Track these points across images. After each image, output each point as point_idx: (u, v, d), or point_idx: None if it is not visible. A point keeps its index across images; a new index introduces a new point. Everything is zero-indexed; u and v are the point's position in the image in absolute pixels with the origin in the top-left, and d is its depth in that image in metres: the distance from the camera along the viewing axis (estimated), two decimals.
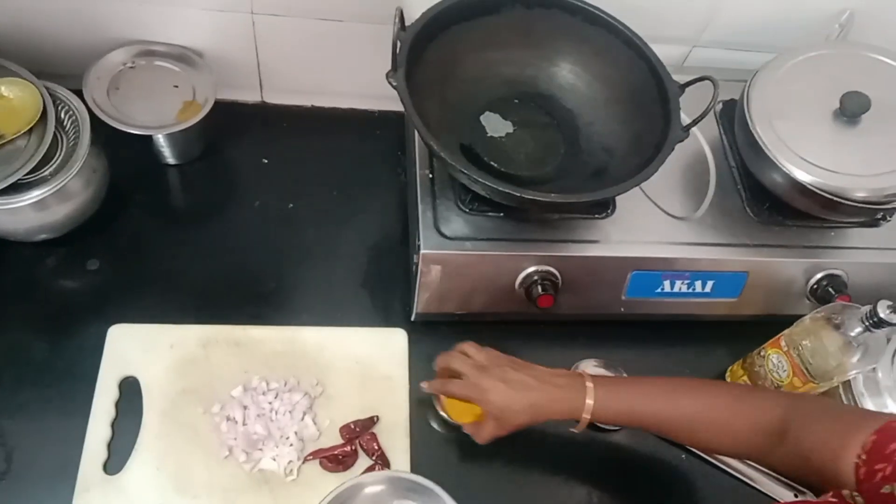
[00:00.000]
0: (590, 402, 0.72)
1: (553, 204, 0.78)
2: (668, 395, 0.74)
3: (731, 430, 0.71)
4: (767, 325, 0.91)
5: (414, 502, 0.75)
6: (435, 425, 0.88)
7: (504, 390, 0.73)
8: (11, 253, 0.91)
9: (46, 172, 0.83)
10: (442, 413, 0.85)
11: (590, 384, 0.73)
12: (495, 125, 0.89)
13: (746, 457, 0.78)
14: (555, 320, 0.93)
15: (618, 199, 0.89)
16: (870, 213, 0.90)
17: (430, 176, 0.89)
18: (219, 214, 0.99)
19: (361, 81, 1.04)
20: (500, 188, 0.75)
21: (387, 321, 0.94)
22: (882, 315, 0.73)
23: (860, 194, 0.84)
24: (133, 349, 0.86)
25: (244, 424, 0.82)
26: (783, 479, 0.88)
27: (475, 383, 0.74)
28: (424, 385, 0.80)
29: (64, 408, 0.82)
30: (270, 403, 0.83)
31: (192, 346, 0.87)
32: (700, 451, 0.88)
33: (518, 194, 0.75)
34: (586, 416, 0.72)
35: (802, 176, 0.84)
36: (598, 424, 0.81)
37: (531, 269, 0.85)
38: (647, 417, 0.74)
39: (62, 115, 0.87)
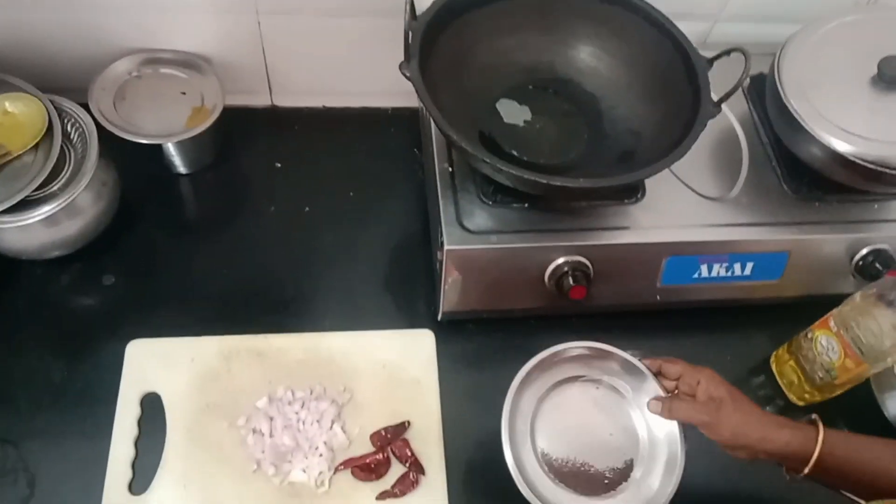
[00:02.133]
0: (820, 437, 0.66)
1: (582, 190, 0.74)
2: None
3: None
4: (812, 307, 0.86)
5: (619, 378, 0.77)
6: (454, 412, 0.84)
7: (738, 422, 0.68)
8: (24, 272, 0.89)
9: (55, 188, 0.81)
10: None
11: (818, 421, 0.68)
12: (512, 112, 0.85)
13: None
14: (587, 312, 0.89)
15: (647, 183, 0.86)
16: None
17: (450, 170, 0.86)
18: (233, 222, 0.97)
19: (373, 79, 1.01)
20: (526, 176, 0.71)
21: (412, 323, 0.90)
22: None
23: None
24: (153, 364, 0.83)
25: (271, 436, 0.79)
26: None
27: (709, 417, 0.69)
28: (654, 410, 0.73)
29: (85, 429, 0.79)
30: (297, 413, 0.80)
31: (214, 359, 0.84)
32: None
33: (545, 181, 0.71)
34: (815, 454, 0.66)
35: (842, 147, 0.80)
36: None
37: (561, 260, 0.82)
38: (873, 471, 0.67)
39: (69, 129, 0.85)
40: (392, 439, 0.80)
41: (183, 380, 0.82)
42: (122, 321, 0.86)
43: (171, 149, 0.93)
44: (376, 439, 0.80)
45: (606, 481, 0.75)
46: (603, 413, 0.78)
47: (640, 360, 0.76)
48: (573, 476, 0.75)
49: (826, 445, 0.66)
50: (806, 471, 0.66)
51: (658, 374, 0.75)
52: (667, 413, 0.72)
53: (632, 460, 0.76)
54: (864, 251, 0.86)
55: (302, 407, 0.81)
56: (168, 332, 0.85)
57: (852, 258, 0.87)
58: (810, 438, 0.66)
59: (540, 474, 0.74)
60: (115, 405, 0.80)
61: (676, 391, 0.74)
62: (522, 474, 0.72)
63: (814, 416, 0.69)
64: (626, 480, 0.75)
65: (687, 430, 0.74)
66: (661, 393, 0.75)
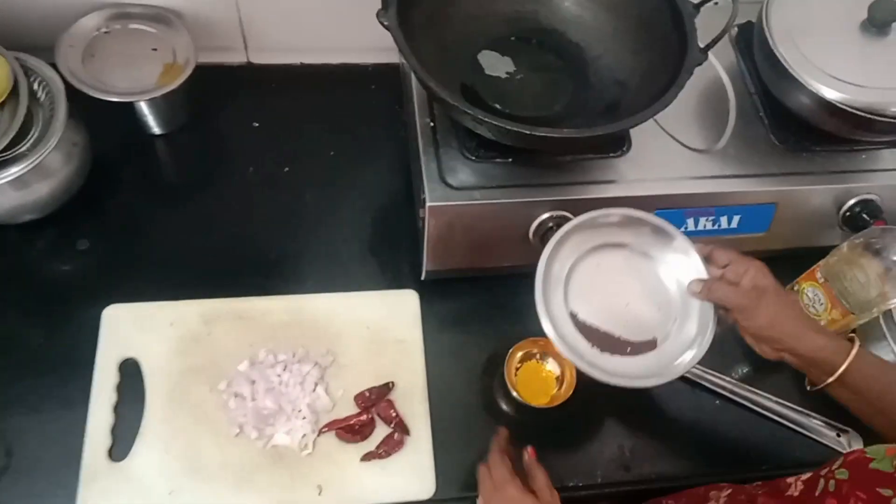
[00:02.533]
0: (854, 351, 0.65)
1: (566, 141, 0.72)
2: None
3: None
4: (798, 259, 0.86)
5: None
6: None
7: (777, 312, 0.67)
8: None
9: (23, 148, 0.78)
10: (514, 394, 0.79)
11: (854, 343, 0.66)
12: (494, 64, 0.83)
13: None
14: None
15: (633, 135, 0.84)
16: None
17: (432, 124, 0.83)
18: (211, 184, 0.94)
19: (352, 33, 0.98)
20: (509, 127, 0.69)
21: (396, 283, 0.89)
22: None
23: (894, 109, 0.78)
24: (131, 329, 0.81)
25: (253, 400, 0.78)
26: (823, 418, 0.83)
27: (749, 301, 0.67)
28: (695, 289, 0.71)
29: (63, 395, 0.78)
30: (279, 376, 0.79)
31: (194, 323, 0.82)
32: None
33: (528, 132, 0.69)
34: (846, 364, 0.64)
35: (831, 94, 0.78)
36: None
37: (545, 215, 0.80)
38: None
39: (35, 88, 0.81)
40: (376, 400, 0.79)
41: (162, 344, 0.81)
42: (99, 286, 0.84)
43: (143, 107, 0.90)
44: (360, 401, 0.79)
45: (629, 349, 0.72)
46: (638, 284, 0.75)
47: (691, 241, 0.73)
48: (597, 337, 0.72)
49: (856, 360, 0.64)
50: (830, 380, 0.65)
51: (706, 260, 0.73)
52: (706, 292, 0.70)
53: (655, 339, 0.72)
54: (852, 202, 0.85)
55: (284, 369, 0.80)
56: (146, 297, 0.83)
57: (839, 209, 0.86)
58: (842, 351, 0.65)
59: (568, 325, 0.72)
60: (93, 371, 0.79)
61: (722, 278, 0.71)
62: (551, 319, 0.70)
63: (852, 334, 0.67)
64: (648, 351, 0.72)
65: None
66: (703, 270, 0.72)
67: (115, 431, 0.76)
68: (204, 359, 0.80)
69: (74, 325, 0.82)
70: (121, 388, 0.78)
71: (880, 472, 0.51)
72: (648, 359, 0.71)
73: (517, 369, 0.82)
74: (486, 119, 0.69)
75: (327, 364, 0.81)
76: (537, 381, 0.82)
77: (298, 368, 0.80)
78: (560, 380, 0.82)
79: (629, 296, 0.74)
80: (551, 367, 0.83)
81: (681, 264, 0.74)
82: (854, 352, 0.64)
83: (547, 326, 0.70)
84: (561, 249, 0.73)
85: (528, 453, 0.71)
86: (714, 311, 0.71)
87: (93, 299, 0.83)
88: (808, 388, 0.69)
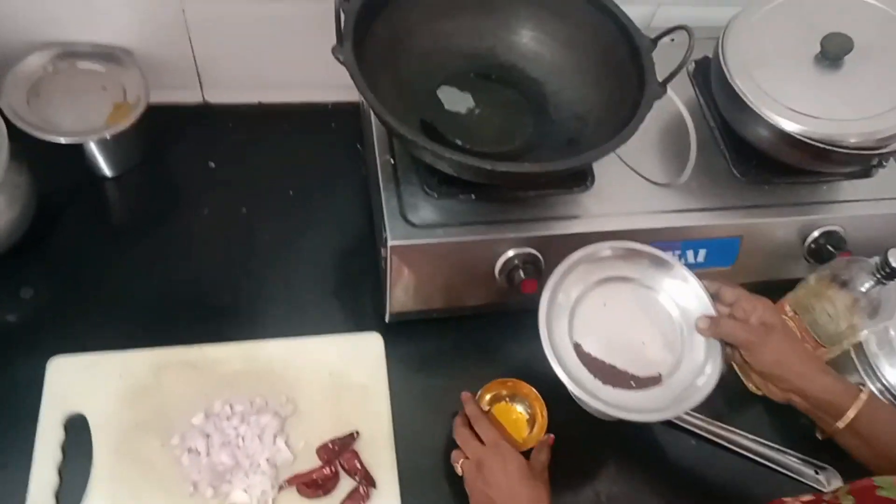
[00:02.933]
0: (864, 396, 0.63)
1: (527, 176, 0.71)
2: None
3: None
4: (767, 293, 0.83)
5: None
6: (405, 416, 0.80)
7: (784, 350, 0.66)
8: None
9: None
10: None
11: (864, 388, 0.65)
12: (454, 99, 0.82)
13: None
14: None
15: (596, 170, 0.83)
16: (863, 161, 0.84)
17: (392, 162, 0.81)
18: (164, 226, 0.91)
19: (311, 71, 0.96)
20: (469, 162, 0.67)
21: (360, 326, 0.86)
22: (895, 264, 0.68)
23: (852, 140, 0.78)
24: (77, 382, 0.76)
25: (208, 455, 0.73)
26: (800, 455, 0.82)
27: (756, 338, 0.66)
28: (702, 326, 0.70)
29: (2, 456, 0.73)
30: (236, 429, 0.75)
31: (143, 373, 0.78)
32: None
33: (489, 167, 0.67)
34: (854, 410, 0.63)
35: (789, 126, 0.78)
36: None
37: (510, 252, 0.78)
38: None
39: None
40: (340, 451, 0.76)
41: (110, 397, 0.76)
42: (43, 336, 0.80)
43: (92, 148, 0.87)
44: (323, 453, 0.76)
45: (634, 383, 0.71)
46: (645, 318, 0.74)
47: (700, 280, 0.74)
48: (601, 369, 0.71)
49: (867, 405, 0.63)
50: (841, 425, 0.63)
51: (714, 297, 0.72)
52: (713, 329, 0.69)
53: (661, 375, 0.71)
54: (816, 233, 0.85)
55: (241, 422, 0.76)
56: (94, 347, 0.79)
57: (804, 241, 0.86)
58: (851, 394, 0.64)
59: (573, 359, 0.71)
60: (35, 428, 0.74)
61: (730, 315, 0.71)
62: (556, 355, 0.69)
63: (861, 385, 0.66)
64: (656, 385, 0.71)
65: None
66: (705, 298, 0.72)
67: (59, 494, 0.71)
68: (155, 412, 0.76)
69: (16, 378, 0.77)
70: (66, 446, 0.73)
71: (889, 500, 0.49)
72: (653, 394, 0.70)
73: (486, 412, 0.79)
74: (446, 154, 0.67)
75: (287, 414, 0.78)
76: (507, 424, 0.79)
77: (256, 420, 0.76)
78: (531, 422, 0.79)
79: (635, 330, 0.74)
80: (522, 409, 0.80)
81: (682, 294, 0.74)
82: (864, 396, 0.63)
83: (549, 352, 0.69)
84: (566, 280, 0.73)
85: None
86: (721, 348, 0.70)
87: (37, 351, 0.78)
88: (819, 436, 0.67)
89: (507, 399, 0.80)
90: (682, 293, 0.74)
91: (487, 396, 0.79)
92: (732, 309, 0.70)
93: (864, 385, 0.66)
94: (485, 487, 0.68)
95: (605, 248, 0.74)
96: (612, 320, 0.73)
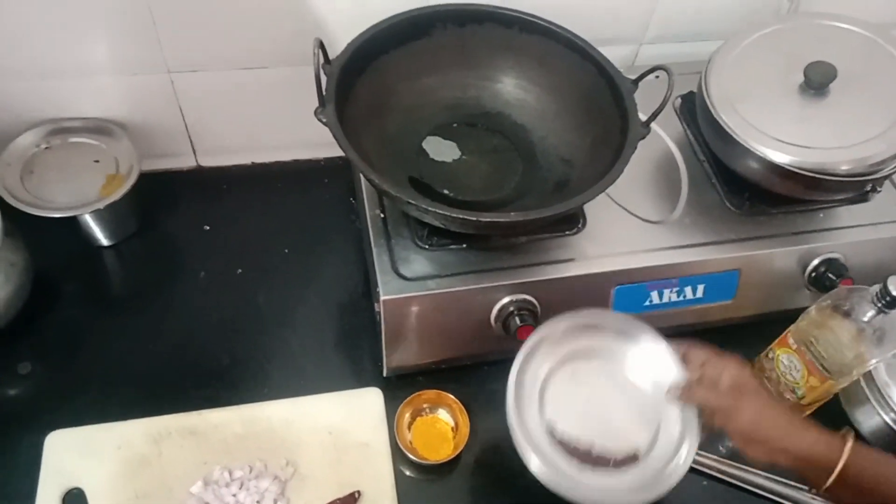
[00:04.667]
0: (849, 444, 0.61)
1: (514, 224, 0.71)
2: None
3: None
4: (770, 325, 0.83)
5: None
6: (408, 472, 0.79)
7: (759, 411, 0.63)
8: None
9: None
10: (409, 455, 0.77)
11: (848, 438, 0.62)
12: (440, 150, 0.83)
13: None
14: None
15: (588, 211, 0.83)
16: (857, 187, 0.83)
17: (382, 216, 0.82)
18: (161, 292, 0.91)
19: (301, 130, 0.98)
20: (454, 215, 0.67)
21: (359, 381, 0.85)
22: (895, 292, 0.66)
23: (844, 167, 0.78)
24: (75, 456, 0.76)
25: None
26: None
27: (728, 402, 0.64)
28: (673, 395, 0.69)
29: None
30: (235, 496, 0.74)
31: (141, 444, 0.77)
32: None
33: (474, 219, 0.67)
34: (843, 459, 0.60)
35: (779, 157, 0.78)
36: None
37: (505, 299, 0.78)
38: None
39: None
40: None
41: (108, 470, 0.75)
42: (41, 412, 0.79)
43: (88, 220, 0.88)
44: None
45: (612, 462, 0.68)
46: (615, 392, 0.72)
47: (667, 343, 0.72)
48: (577, 452, 0.68)
49: (853, 457, 0.60)
50: (829, 482, 0.60)
51: (682, 360, 0.70)
52: (685, 396, 0.67)
53: (638, 451, 0.69)
54: (816, 262, 0.84)
55: (240, 488, 0.74)
56: (92, 419, 0.78)
57: (805, 270, 0.84)
58: (836, 448, 0.61)
59: (547, 445, 0.68)
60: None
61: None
62: (530, 443, 0.67)
63: (846, 428, 0.64)
64: (633, 464, 0.68)
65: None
66: (675, 368, 0.70)
67: None
68: (154, 482, 0.75)
69: (13, 455, 0.76)
70: None
71: None
72: (634, 473, 0.68)
73: (409, 428, 0.81)
74: (431, 209, 0.67)
75: (287, 477, 0.76)
76: (432, 434, 0.80)
77: (255, 485, 0.74)
78: (455, 429, 0.80)
79: (606, 405, 0.71)
80: (444, 417, 0.81)
81: (651, 362, 0.72)
82: (849, 445, 0.60)
83: (520, 442, 0.67)
84: (531, 362, 0.71)
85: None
86: (697, 416, 0.68)
87: (34, 426, 0.77)
88: (811, 492, 0.64)
89: (428, 410, 0.82)
90: (651, 361, 0.72)
91: (408, 413, 0.80)
92: (703, 372, 0.68)
93: (848, 432, 0.63)
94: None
95: (569, 324, 0.72)
96: (583, 397, 0.71)
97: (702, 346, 0.69)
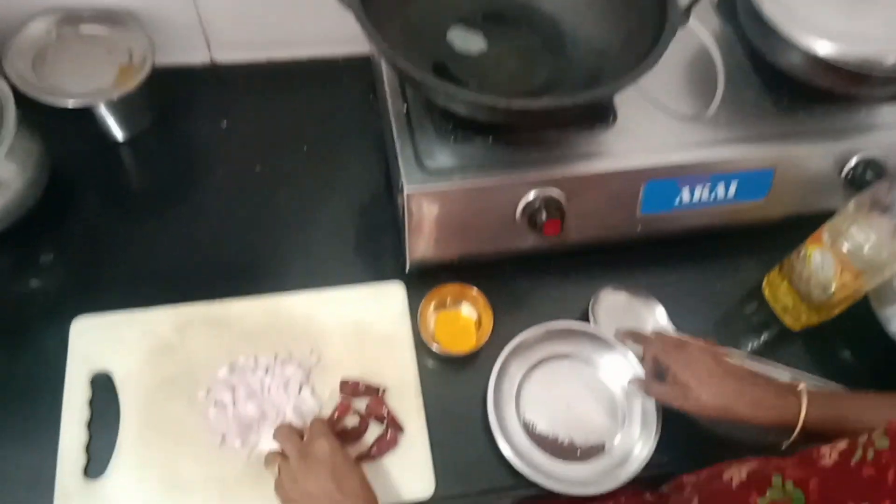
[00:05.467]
0: (805, 401, 0.64)
1: (547, 112, 0.68)
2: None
3: None
4: (800, 227, 0.81)
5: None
6: (430, 364, 0.80)
7: (710, 399, 0.66)
8: None
9: None
10: (432, 347, 0.78)
11: (801, 387, 0.66)
12: (465, 41, 0.79)
13: None
14: (565, 251, 0.84)
15: (619, 106, 0.80)
16: None
17: (406, 109, 0.79)
18: (179, 187, 0.90)
19: (320, 24, 0.94)
20: (483, 100, 0.65)
21: (381, 277, 0.84)
22: None
23: (890, 61, 0.74)
24: (101, 342, 0.76)
25: (234, 407, 0.73)
26: (843, 387, 0.79)
27: (680, 401, 0.68)
28: (633, 388, 0.76)
29: (32, 415, 0.73)
30: (261, 380, 0.75)
31: (167, 331, 0.78)
32: None
33: (504, 104, 0.64)
34: (802, 412, 0.64)
35: (822, 49, 0.74)
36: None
37: (531, 194, 0.76)
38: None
39: None
40: (366, 392, 0.75)
41: (134, 355, 0.76)
42: (65, 300, 0.80)
43: (102, 111, 0.86)
44: (347, 387, 0.75)
45: (579, 452, 0.76)
46: (584, 390, 0.79)
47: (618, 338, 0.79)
48: (550, 445, 0.76)
49: (811, 410, 0.63)
50: (790, 441, 0.64)
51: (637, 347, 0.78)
52: (644, 393, 0.75)
53: (604, 443, 0.76)
54: (854, 161, 0.81)
55: (266, 373, 0.75)
56: (116, 307, 0.79)
57: (841, 170, 0.82)
58: (792, 406, 0.64)
59: (522, 438, 0.75)
60: (63, 388, 0.74)
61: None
62: (505, 435, 0.74)
63: (801, 386, 0.66)
64: (598, 455, 0.76)
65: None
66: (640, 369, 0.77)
67: (89, 449, 0.71)
68: (179, 368, 0.76)
69: (41, 339, 0.77)
70: (93, 404, 0.74)
71: None
72: (600, 463, 0.75)
73: (432, 321, 0.81)
74: (460, 94, 0.65)
75: (312, 364, 0.77)
76: (454, 329, 0.80)
77: (281, 371, 0.75)
78: (478, 325, 0.81)
79: (576, 402, 0.78)
80: (467, 312, 0.82)
81: (621, 368, 0.78)
82: (804, 401, 0.63)
83: (503, 444, 0.73)
84: (509, 368, 0.77)
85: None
86: (657, 407, 0.75)
87: (59, 313, 0.78)
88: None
89: (451, 304, 0.82)
90: (620, 364, 0.78)
91: (432, 304, 0.80)
92: (652, 365, 0.74)
93: (798, 384, 0.66)
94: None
95: (539, 330, 0.78)
96: (555, 395, 0.78)
97: (659, 338, 0.74)
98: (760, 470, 0.57)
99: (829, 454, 0.51)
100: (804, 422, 0.63)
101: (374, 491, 0.64)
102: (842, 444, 0.51)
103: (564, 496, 0.71)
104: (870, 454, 0.47)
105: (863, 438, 0.49)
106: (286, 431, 0.67)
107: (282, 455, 0.67)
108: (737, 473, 0.58)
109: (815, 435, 0.63)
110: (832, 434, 0.59)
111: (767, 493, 0.53)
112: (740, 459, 0.61)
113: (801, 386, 0.65)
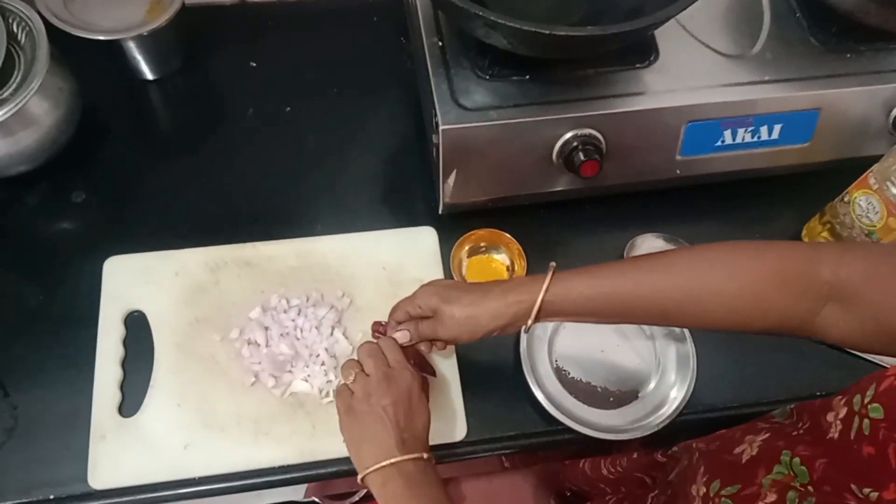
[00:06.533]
0: (549, 277, 0.61)
1: (588, 43, 0.66)
2: (632, 274, 0.60)
3: (727, 294, 0.56)
4: (842, 173, 0.79)
5: None
6: None
7: (462, 314, 0.63)
8: None
9: (6, 94, 0.73)
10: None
11: (552, 264, 0.62)
12: None
13: (757, 326, 0.57)
14: (602, 195, 0.82)
15: (660, 43, 0.77)
16: None
17: (440, 44, 0.77)
18: (210, 128, 0.89)
19: None
20: (526, 27, 0.63)
21: (412, 222, 0.83)
22: None
23: None
24: (134, 281, 0.76)
25: (267, 346, 0.73)
26: None
27: (436, 311, 0.65)
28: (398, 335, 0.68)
29: (67, 353, 0.74)
30: (294, 321, 0.74)
31: (199, 272, 0.77)
32: (694, 326, 0.65)
33: (547, 32, 0.62)
34: (544, 286, 0.60)
35: None
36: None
37: (569, 134, 0.74)
38: (611, 304, 0.60)
39: (14, 29, 0.76)
40: None
41: (168, 295, 0.76)
42: (98, 238, 0.80)
43: (132, 48, 0.85)
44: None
45: (612, 399, 0.75)
46: (619, 338, 0.78)
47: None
48: (583, 391, 0.75)
49: (553, 288, 0.60)
50: (529, 323, 0.61)
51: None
52: (416, 336, 0.67)
53: (637, 390, 0.76)
54: None
55: (299, 314, 0.75)
56: (148, 247, 0.79)
57: (889, 113, 0.79)
58: (535, 290, 0.60)
59: (555, 382, 0.75)
60: (97, 326, 0.74)
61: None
62: (539, 385, 0.73)
63: (552, 264, 0.62)
64: (634, 401, 0.75)
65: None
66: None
67: (123, 387, 0.72)
68: (212, 308, 0.76)
69: (75, 279, 0.77)
70: (127, 342, 0.74)
71: None
72: (633, 409, 0.74)
73: (464, 266, 0.80)
74: (501, 21, 0.63)
75: (344, 307, 0.76)
76: (487, 273, 0.80)
77: (314, 312, 0.75)
78: (510, 269, 0.80)
79: (610, 348, 0.78)
80: (500, 257, 0.81)
81: None
82: (548, 278, 0.60)
83: (535, 388, 0.72)
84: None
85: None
86: (693, 358, 0.74)
87: (92, 252, 0.78)
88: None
89: (484, 250, 0.81)
90: None
91: (465, 248, 0.80)
92: (406, 310, 0.67)
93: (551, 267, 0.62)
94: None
95: None
96: (590, 341, 0.78)
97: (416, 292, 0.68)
98: (772, 443, 0.55)
99: (834, 424, 0.49)
100: (545, 300, 0.60)
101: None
102: (843, 412, 0.49)
103: (582, 443, 0.71)
104: (866, 426, 0.45)
105: (857, 401, 0.47)
106: (374, 349, 0.65)
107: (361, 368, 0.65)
108: (748, 448, 0.57)
109: (569, 314, 0.61)
110: (602, 313, 0.60)
111: (774, 470, 0.51)
112: (755, 429, 0.59)
113: (552, 264, 0.62)
